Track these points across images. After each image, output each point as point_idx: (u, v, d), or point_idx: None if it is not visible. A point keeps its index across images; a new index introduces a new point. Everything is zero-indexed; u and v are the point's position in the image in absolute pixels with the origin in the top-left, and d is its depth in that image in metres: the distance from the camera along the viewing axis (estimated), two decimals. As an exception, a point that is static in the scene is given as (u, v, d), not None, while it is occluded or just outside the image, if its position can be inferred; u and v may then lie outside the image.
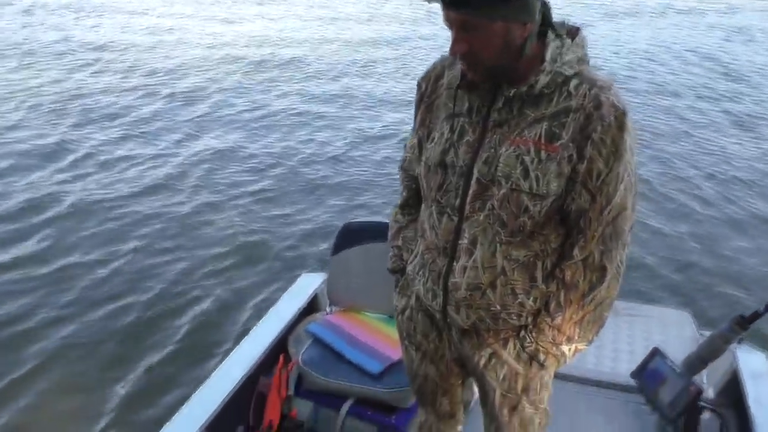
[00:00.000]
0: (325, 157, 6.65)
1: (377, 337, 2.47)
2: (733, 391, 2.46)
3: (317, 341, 2.47)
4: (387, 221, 1.88)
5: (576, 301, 1.50)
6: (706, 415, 2.34)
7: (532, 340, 1.55)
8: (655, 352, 2.42)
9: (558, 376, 2.55)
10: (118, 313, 4.09)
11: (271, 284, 4.37)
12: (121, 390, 3.47)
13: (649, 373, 2.39)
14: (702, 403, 2.29)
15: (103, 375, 3.60)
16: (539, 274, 1.52)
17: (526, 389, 1.63)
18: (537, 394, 1.66)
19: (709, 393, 2.50)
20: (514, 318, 1.55)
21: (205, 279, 4.49)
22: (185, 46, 11.06)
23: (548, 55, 1.39)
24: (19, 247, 4.79)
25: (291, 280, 2.87)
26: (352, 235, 2.56)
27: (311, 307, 2.71)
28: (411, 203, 1.78)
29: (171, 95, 8.44)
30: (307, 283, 2.79)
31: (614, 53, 11.13)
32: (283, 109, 8.09)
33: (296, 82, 9.24)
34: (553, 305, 1.52)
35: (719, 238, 5.17)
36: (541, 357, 1.56)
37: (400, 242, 1.79)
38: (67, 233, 4.99)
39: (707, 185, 6.16)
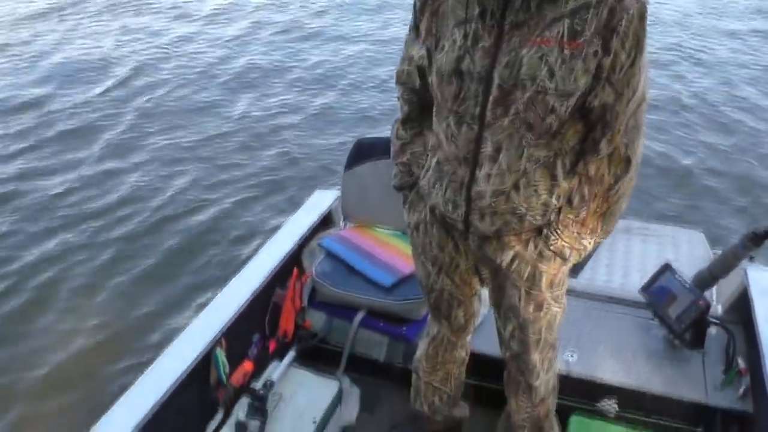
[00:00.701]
0: (336, 81, 6.60)
1: (389, 251, 2.51)
2: (741, 309, 2.48)
3: (330, 255, 2.51)
4: None
5: (601, 194, 1.54)
6: (713, 330, 2.36)
7: (557, 236, 1.58)
8: (666, 268, 2.43)
9: (568, 293, 2.60)
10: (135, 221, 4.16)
11: (285, 201, 4.44)
12: (143, 304, 3.59)
13: (659, 288, 2.41)
14: (710, 318, 2.32)
15: (127, 288, 3.72)
16: (559, 172, 1.54)
17: (549, 285, 1.68)
18: (559, 288, 1.71)
19: (718, 310, 2.53)
20: (539, 217, 1.57)
21: (219, 194, 4.57)
22: None
23: None
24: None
25: (305, 197, 2.89)
26: (364, 151, 2.56)
27: (325, 222, 2.74)
28: (413, 117, 1.76)
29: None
30: (321, 199, 2.81)
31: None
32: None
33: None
34: (576, 200, 1.55)
35: (739, 159, 5.11)
36: (566, 252, 1.60)
37: (406, 158, 1.79)
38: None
39: (727, 106, 6.04)
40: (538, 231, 1.61)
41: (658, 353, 2.34)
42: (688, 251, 2.89)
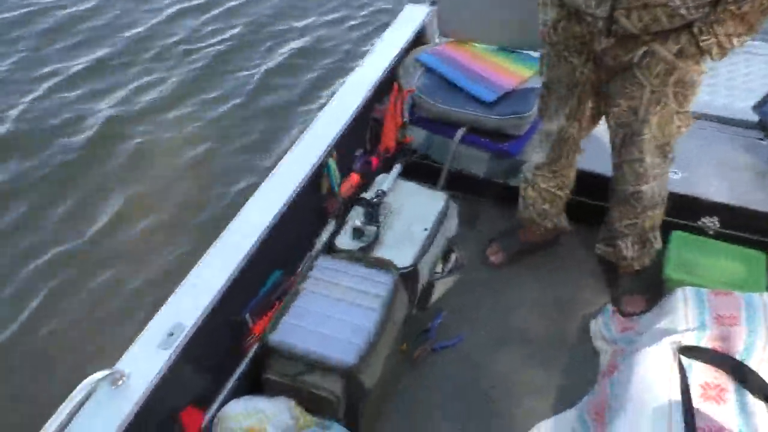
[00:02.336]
0: None
1: (490, 67, 2.44)
2: None
3: (429, 70, 2.46)
4: None
5: None
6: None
7: (710, 33, 1.51)
8: (781, 85, 2.33)
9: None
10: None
11: (376, 16, 4.35)
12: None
13: (773, 105, 2.33)
14: None
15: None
16: None
17: (677, 82, 1.64)
18: (686, 89, 1.67)
19: None
20: (693, 11, 1.49)
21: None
22: None
23: None
24: None
25: (395, 13, 2.78)
26: None
27: (418, 39, 2.66)
28: None
29: None
30: (413, 14, 2.70)
31: None
32: None
33: None
34: None
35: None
36: (714, 50, 1.55)
37: None
38: None
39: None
40: (685, 26, 1.54)
41: (764, 172, 2.31)
42: None
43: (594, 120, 1.95)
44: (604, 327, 2.14)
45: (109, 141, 3.67)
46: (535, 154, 2.12)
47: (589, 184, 2.24)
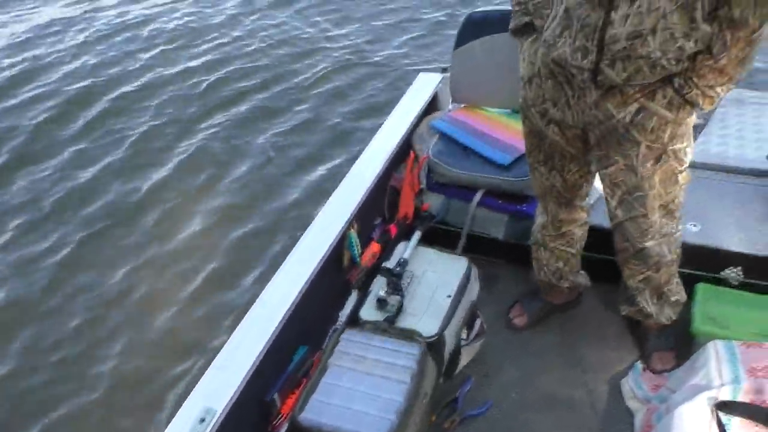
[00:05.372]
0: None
1: (503, 131, 2.49)
2: None
3: (444, 136, 2.51)
4: (510, 8, 1.81)
5: (744, 38, 1.48)
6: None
7: (692, 85, 1.55)
8: (792, 134, 2.36)
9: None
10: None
11: (389, 87, 4.46)
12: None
13: (786, 154, 2.35)
14: None
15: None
16: (699, 15, 1.48)
17: (672, 137, 1.67)
18: (682, 142, 1.70)
19: None
20: (673, 63, 1.53)
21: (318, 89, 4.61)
22: None
23: None
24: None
25: (409, 82, 2.85)
26: (475, 27, 2.48)
27: (432, 106, 2.72)
28: None
29: None
30: (426, 82, 2.77)
31: None
32: None
33: None
34: (718, 46, 1.50)
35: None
36: (699, 101, 1.57)
37: None
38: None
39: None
40: (667, 80, 1.58)
41: None
42: None
43: (586, 179, 1.97)
44: (636, 386, 2.11)
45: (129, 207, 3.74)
46: (538, 215, 2.14)
47: (607, 240, 2.24)
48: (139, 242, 3.52)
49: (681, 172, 1.77)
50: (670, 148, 1.69)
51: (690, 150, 1.76)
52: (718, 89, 1.57)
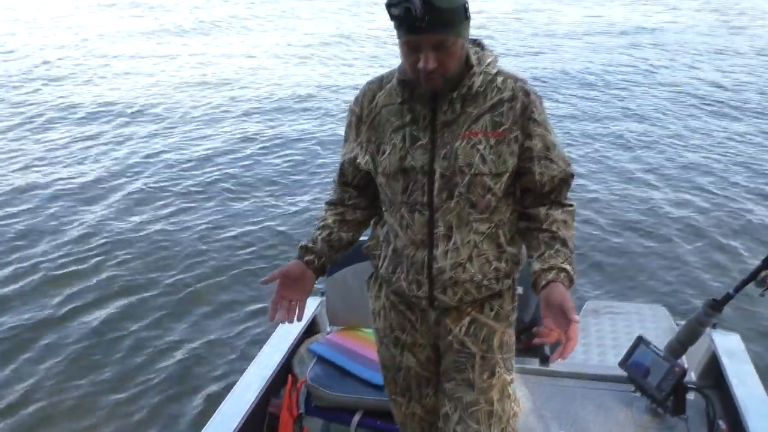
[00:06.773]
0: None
1: (378, 351, 2.58)
2: (713, 372, 2.64)
3: (321, 359, 2.57)
4: None
5: (570, 217, 1.76)
6: (691, 396, 2.50)
7: (551, 268, 1.66)
8: (639, 341, 2.58)
9: (549, 373, 2.71)
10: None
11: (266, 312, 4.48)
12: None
13: (635, 360, 2.55)
14: (687, 384, 2.46)
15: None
16: (503, 240, 1.77)
17: (500, 345, 1.83)
18: (509, 351, 1.86)
19: (692, 377, 2.67)
20: (494, 282, 1.78)
21: (199, 308, 4.59)
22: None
23: (474, 61, 1.68)
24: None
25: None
26: (345, 256, 2.67)
27: (311, 329, 2.82)
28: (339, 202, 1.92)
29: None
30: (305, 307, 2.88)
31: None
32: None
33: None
34: (556, 228, 1.71)
35: (679, 236, 5.42)
36: (566, 282, 1.65)
37: (326, 217, 1.91)
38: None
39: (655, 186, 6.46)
40: (495, 296, 1.82)
41: (644, 424, 2.45)
42: (655, 325, 3.07)
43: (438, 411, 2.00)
44: None
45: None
46: None
47: None
48: None
49: (512, 398, 1.86)
50: (499, 356, 1.83)
51: (513, 360, 1.90)
52: (568, 267, 1.71)
